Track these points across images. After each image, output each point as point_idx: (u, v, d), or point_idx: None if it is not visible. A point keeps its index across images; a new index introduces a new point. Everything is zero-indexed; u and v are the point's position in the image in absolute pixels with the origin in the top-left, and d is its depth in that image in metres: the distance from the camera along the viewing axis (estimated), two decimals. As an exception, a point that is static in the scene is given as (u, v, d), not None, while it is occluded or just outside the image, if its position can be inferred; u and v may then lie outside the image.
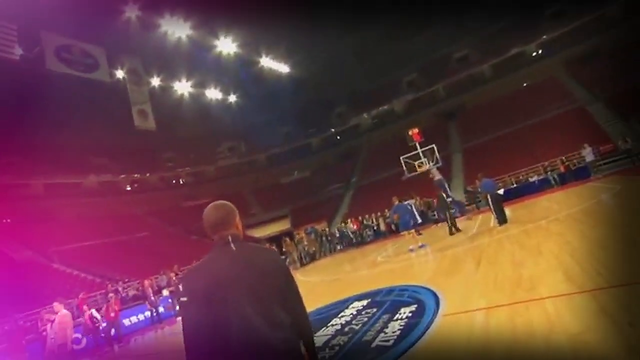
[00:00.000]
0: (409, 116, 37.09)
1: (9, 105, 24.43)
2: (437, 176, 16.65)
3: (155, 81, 28.74)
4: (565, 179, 19.28)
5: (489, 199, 11.50)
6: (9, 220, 26.96)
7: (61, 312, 7.46)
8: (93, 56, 25.08)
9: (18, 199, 28.43)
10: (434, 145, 19.73)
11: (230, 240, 1.77)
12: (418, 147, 20.16)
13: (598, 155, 19.31)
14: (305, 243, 22.00)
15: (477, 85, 35.43)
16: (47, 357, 7.57)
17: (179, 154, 39.66)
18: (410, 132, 20.72)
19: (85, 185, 33.25)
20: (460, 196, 22.32)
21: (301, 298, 1.85)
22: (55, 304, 7.73)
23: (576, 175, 19.01)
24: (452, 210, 13.96)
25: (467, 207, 20.90)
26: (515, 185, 21.11)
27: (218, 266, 1.70)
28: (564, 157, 20.21)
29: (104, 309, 12.26)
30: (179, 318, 9.71)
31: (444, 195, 14.06)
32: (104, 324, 11.78)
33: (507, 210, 11.95)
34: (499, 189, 13.52)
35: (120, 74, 26.00)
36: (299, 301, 1.83)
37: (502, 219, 11.10)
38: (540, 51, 33.88)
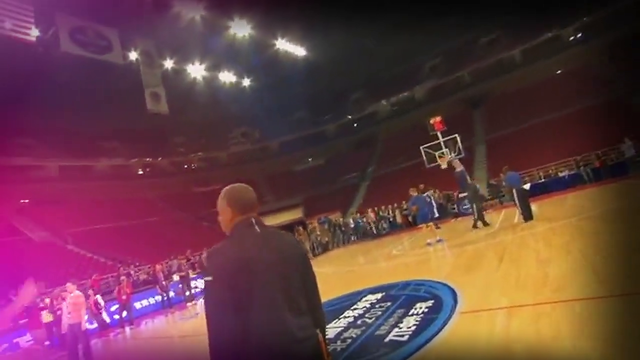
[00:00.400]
0: (430, 103, 35.30)
1: (25, 87, 24.37)
2: (459, 167, 15.78)
3: (169, 64, 28.18)
4: (600, 175, 17.97)
5: (514, 194, 10.88)
6: (26, 201, 27.16)
7: (75, 293, 7.89)
8: (107, 38, 24.67)
9: (34, 181, 28.65)
10: (456, 135, 18.64)
11: (253, 222, 1.76)
12: (439, 137, 19.10)
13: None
14: (318, 233, 21.51)
15: (505, 71, 33.11)
16: (63, 335, 8.22)
17: (190, 138, 39.30)
18: (431, 121, 19.60)
19: (97, 169, 33.30)
20: (482, 190, 21.25)
21: (317, 286, 1.85)
22: (68, 284, 8.19)
23: (613, 171, 17.66)
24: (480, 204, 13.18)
25: (489, 202, 19.90)
26: (543, 180, 19.85)
27: (243, 247, 1.68)
28: (599, 152, 18.87)
29: (115, 291, 12.76)
30: (189, 304, 9.65)
31: (474, 186, 13.32)
32: (105, 312, 12.21)
33: (534, 206, 11.42)
34: (525, 183, 12.66)
35: (133, 56, 25.56)
36: (316, 288, 1.84)
37: (527, 215, 10.50)
38: (577, 35, 31.31)
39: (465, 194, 15.80)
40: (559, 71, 30.24)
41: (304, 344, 1.60)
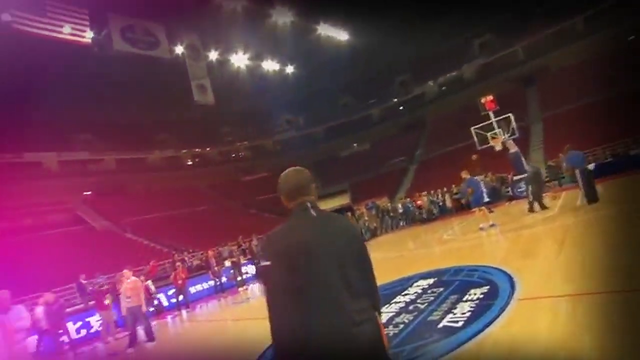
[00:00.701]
0: (480, 82, 33.57)
1: (83, 86, 25.85)
2: (513, 149, 15.01)
3: (213, 55, 28.75)
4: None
5: (577, 175, 10.16)
6: (89, 193, 29.01)
7: (131, 278, 8.42)
8: (154, 34, 25.60)
9: (95, 174, 30.50)
10: (510, 114, 17.62)
11: (309, 206, 1.75)
12: (491, 117, 18.15)
13: None
14: (366, 219, 21.30)
15: (565, 43, 30.39)
16: (124, 317, 8.79)
17: (236, 128, 40.08)
18: (482, 100, 18.64)
19: (150, 161, 34.91)
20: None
21: (373, 269, 1.82)
22: (125, 270, 8.73)
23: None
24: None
25: (548, 184, 18.75)
26: (610, 160, 18.30)
27: (300, 231, 1.68)
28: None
29: (171, 276, 13.22)
30: (241, 289, 9.73)
31: (536, 169, 12.63)
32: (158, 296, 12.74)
33: (599, 188, 10.59)
34: (589, 163, 11.72)
35: (179, 50, 26.33)
36: (372, 271, 1.81)
37: (592, 197, 9.81)
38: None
39: (520, 177, 14.98)
40: (631, 37, 27.24)
41: (362, 327, 1.59)
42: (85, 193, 28.90)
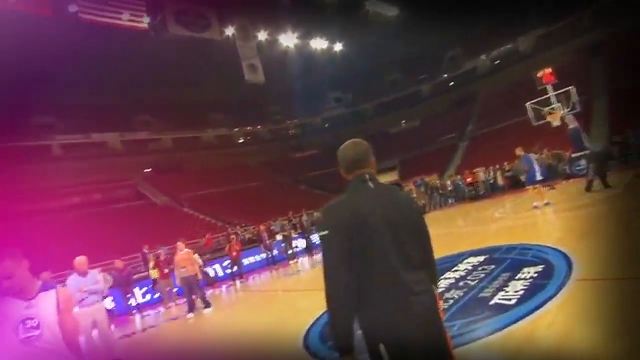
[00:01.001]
0: (537, 55, 31.61)
1: (142, 70, 27.19)
2: (573, 124, 14.20)
3: (262, 35, 29.05)
4: None
5: None
6: (149, 170, 30.90)
7: (185, 250, 8.99)
8: (206, 16, 26.21)
9: (154, 152, 32.37)
10: (571, 87, 16.56)
11: (368, 178, 1.77)
12: (549, 91, 17.16)
13: None
14: (415, 195, 21.07)
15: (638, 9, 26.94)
16: (179, 284, 9.46)
17: (286, 106, 40.54)
18: (539, 74, 17.65)
19: (204, 139, 36.39)
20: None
21: (431, 241, 1.84)
22: (178, 242, 9.33)
23: None
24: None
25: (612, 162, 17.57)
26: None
27: (358, 202, 1.70)
28: None
29: (226, 248, 13.88)
30: (292, 262, 10.80)
31: (604, 146, 11.96)
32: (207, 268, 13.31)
33: None
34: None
35: (229, 31, 26.85)
36: (429, 244, 1.83)
37: None
38: None
39: (579, 154, 14.18)
40: None
41: (420, 297, 1.62)
42: (145, 170, 30.82)
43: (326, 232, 1.68)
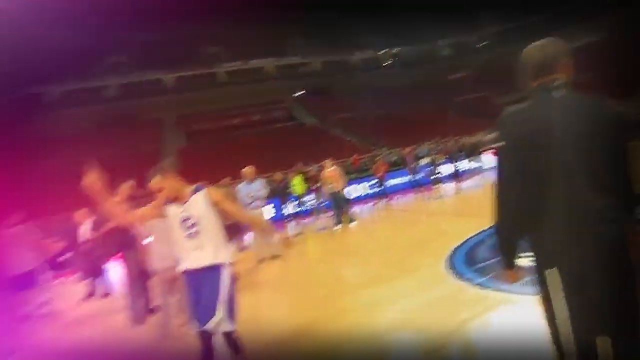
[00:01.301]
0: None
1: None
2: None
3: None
4: None
5: None
6: (302, 92, 32.57)
7: (331, 168, 9.53)
8: None
9: (303, 76, 33.88)
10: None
11: (554, 85, 1.52)
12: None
13: None
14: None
15: None
16: (327, 199, 10.49)
17: (436, 26, 36.89)
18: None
19: (352, 62, 36.43)
20: None
21: (632, 164, 1.48)
22: (326, 161, 9.91)
23: None
24: None
25: None
26: None
27: (540, 113, 1.50)
28: None
29: (372, 168, 14.72)
30: (435, 186, 11.08)
31: None
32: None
33: None
34: None
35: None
36: (629, 166, 1.47)
37: None
38: None
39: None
40: None
41: (611, 226, 1.38)
42: (297, 93, 32.57)
43: (502, 143, 1.53)
